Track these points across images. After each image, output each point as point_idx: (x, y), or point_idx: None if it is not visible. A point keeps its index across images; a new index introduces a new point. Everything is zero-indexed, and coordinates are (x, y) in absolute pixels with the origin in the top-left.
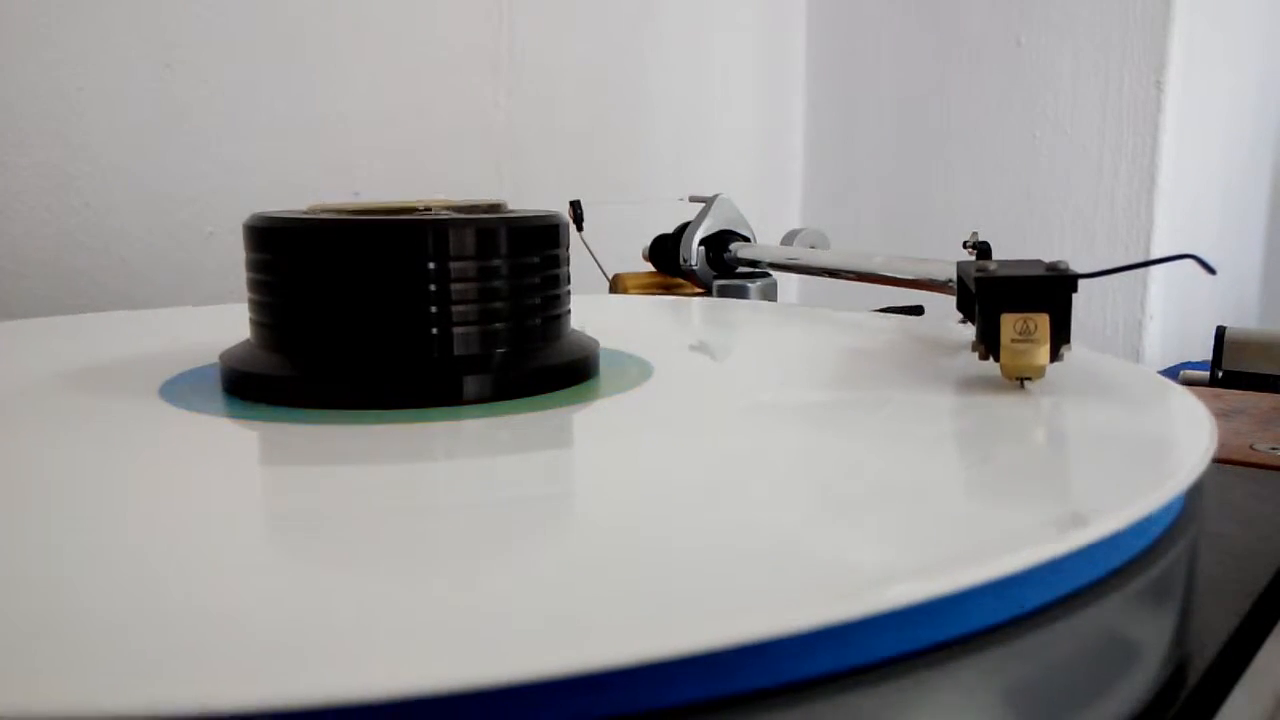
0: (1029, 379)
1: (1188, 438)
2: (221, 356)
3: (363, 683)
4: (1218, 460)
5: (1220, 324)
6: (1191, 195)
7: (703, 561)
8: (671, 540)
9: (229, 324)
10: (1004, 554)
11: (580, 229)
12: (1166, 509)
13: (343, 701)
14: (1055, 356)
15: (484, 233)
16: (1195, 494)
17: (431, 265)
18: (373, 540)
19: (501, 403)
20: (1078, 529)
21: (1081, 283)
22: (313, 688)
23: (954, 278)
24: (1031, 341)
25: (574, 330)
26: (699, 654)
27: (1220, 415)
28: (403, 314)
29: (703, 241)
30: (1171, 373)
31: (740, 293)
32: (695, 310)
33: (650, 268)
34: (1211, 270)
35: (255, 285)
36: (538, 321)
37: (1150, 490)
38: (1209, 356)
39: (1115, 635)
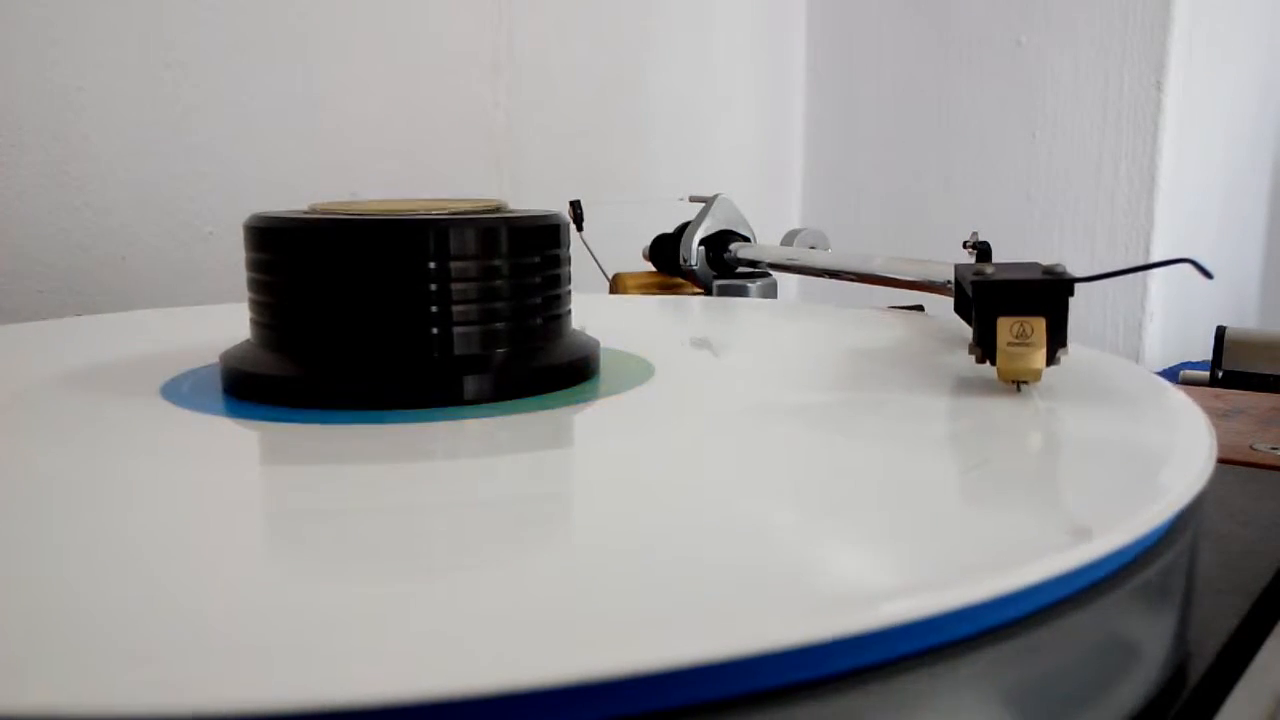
0: (1025, 382)
1: (1187, 446)
2: (222, 357)
3: (362, 685)
4: (1218, 460)
5: (1220, 324)
6: (1191, 195)
7: (703, 564)
8: (672, 542)
9: (229, 324)
10: (1000, 571)
11: (580, 229)
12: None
13: (343, 705)
14: (1052, 360)
15: (485, 232)
16: (1195, 495)
17: (432, 265)
18: (373, 540)
19: (502, 403)
20: (1075, 548)
21: (1080, 284)
22: (312, 690)
23: (952, 279)
24: (1028, 345)
25: (575, 330)
26: (699, 660)
27: (1220, 415)
28: (403, 314)
29: (703, 241)
30: (1172, 373)
31: (740, 293)
32: (696, 309)
33: (650, 267)
34: (1209, 275)
35: (255, 285)
36: (538, 321)
37: (1146, 505)
38: (1209, 356)
39: (1115, 635)
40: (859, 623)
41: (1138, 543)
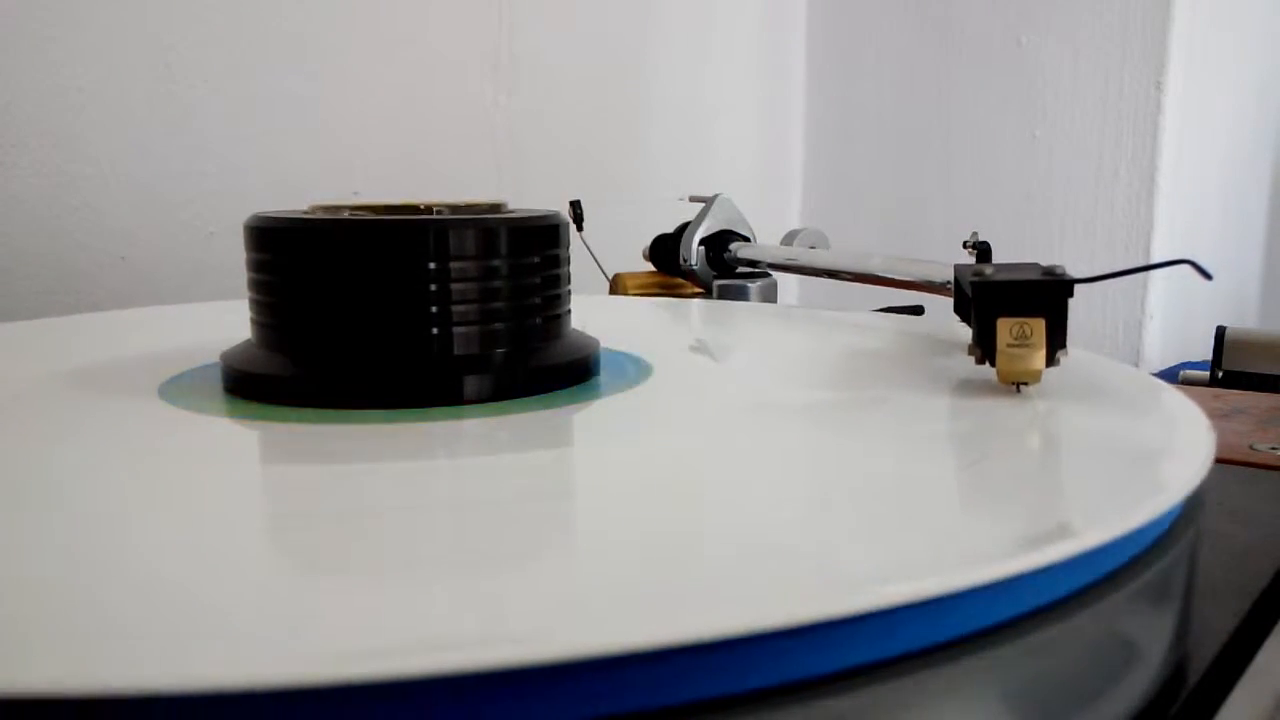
0: (1025, 384)
1: (1185, 445)
2: (222, 356)
3: (358, 673)
4: (1218, 460)
5: (1220, 324)
6: (1191, 195)
7: (701, 562)
8: (670, 541)
9: (229, 324)
10: (998, 565)
11: (580, 229)
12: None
13: (335, 683)
14: (1051, 361)
15: (484, 233)
16: (1195, 495)
17: (432, 265)
18: (372, 540)
19: (502, 402)
20: (1067, 541)
21: (1080, 284)
22: (303, 671)
23: (952, 280)
24: (1027, 346)
25: (574, 330)
26: (696, 654)
27: (1220, 415)
28: (403, 314)
29: (703, 241)
30: (1171, 373)
31: (740, 293)
32: (695, 311)
33: (650, 268)
34: (1208, 276)
35: (256, 285)
36: (538, 321)
37: (1144, 502)
38: (1209, 356)
39: (1115, 635)
40: (855, 608)
41: (1138, 541)
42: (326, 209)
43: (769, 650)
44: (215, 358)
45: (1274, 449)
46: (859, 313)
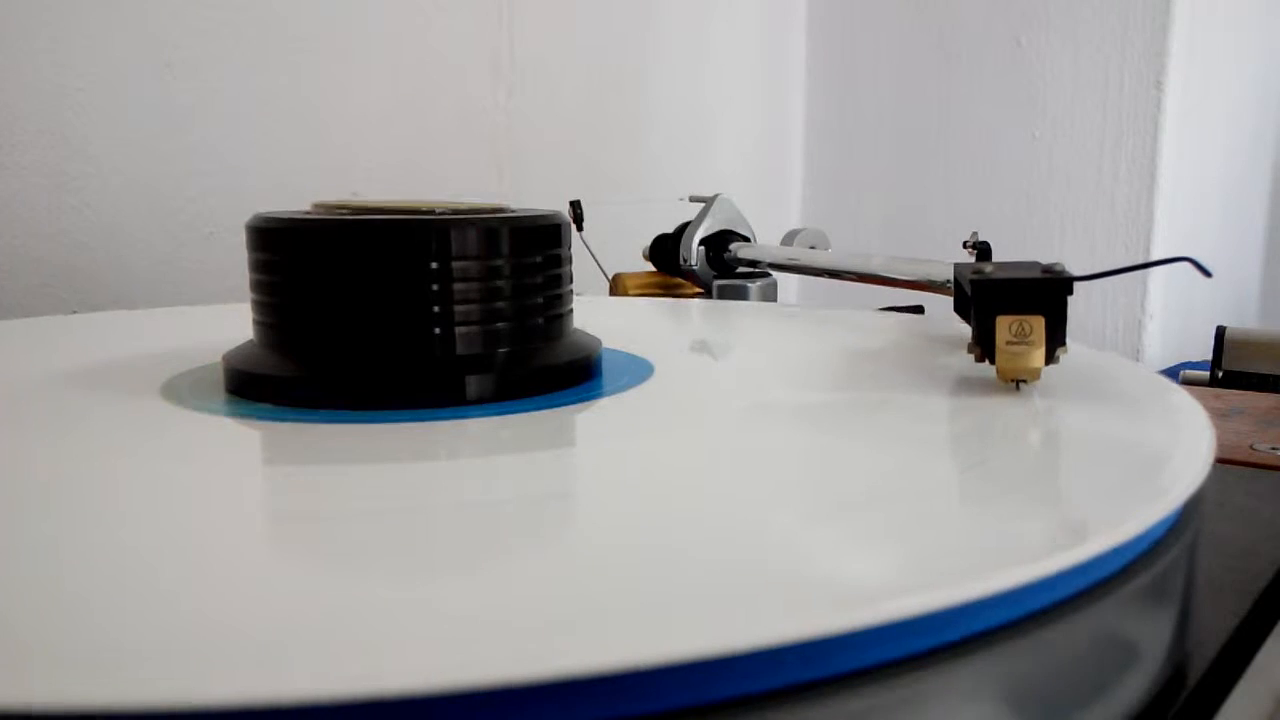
0: (1025, 381)
1: (1186, 445)
2: (224, 357)
3: (361, 683)
4: (1218, 460)
5: (1220, 324)
6: (1191, 195)
7: (702, 564)
8: (671, 542)
9: (230, 324)
10: (998, 569)
11: (580, 229)
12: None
13: (340, 701)
14: (1051, 359)
15: (486, 232)
16: (1195, 495)
17: (434, 265)
18: (374, 540)
19: (504, 402)
20: (1072, 547)
21: (1080, 283)
22: (310, 687)
23: (952, 279)
24: (1027, 344)
25: (576, 330)
26: (696, 659)
27: (1220, 415)
28: (405, 314)
29: (703, 241)
30: (1171, 373)
31: (740, 293)
32: (696, 311)
33: (650, 268)
34: (1207, 273)
35: (258, 285)
36: (540, 321)
37: (1145, 506)
38: (1209, 356)
39: (1115, 636)
40: (858, 620)
41: (1138, 542)
42: (328, 209)
43: (767, 657)
44: (217, 358)
45: (1274, 449)
46: (860, 311)
